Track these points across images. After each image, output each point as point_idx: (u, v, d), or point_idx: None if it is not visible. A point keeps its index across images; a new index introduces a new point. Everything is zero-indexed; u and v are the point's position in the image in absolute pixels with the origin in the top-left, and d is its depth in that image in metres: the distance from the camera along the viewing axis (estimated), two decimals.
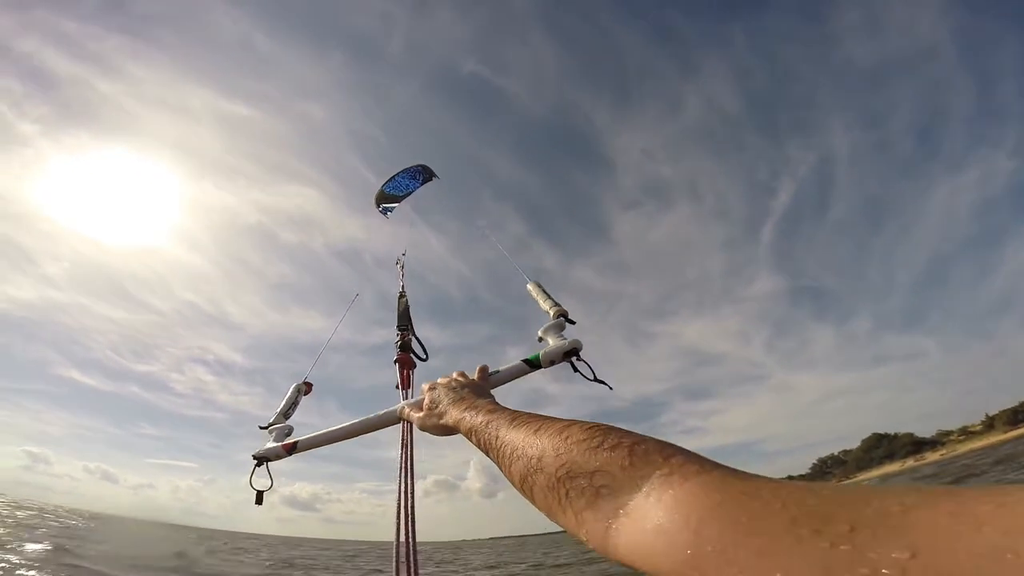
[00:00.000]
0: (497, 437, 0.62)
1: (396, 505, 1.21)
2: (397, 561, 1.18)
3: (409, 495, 1.24)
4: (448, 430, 0.86)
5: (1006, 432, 55.21)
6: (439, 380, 0.99)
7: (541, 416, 0.60)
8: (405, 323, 1.70)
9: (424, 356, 1.65)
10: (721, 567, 0.25)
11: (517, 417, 0.64)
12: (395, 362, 1.59)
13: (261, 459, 1.25)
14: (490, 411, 0.73)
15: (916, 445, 71.53)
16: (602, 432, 0.45)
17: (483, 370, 1.07)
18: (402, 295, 1.84)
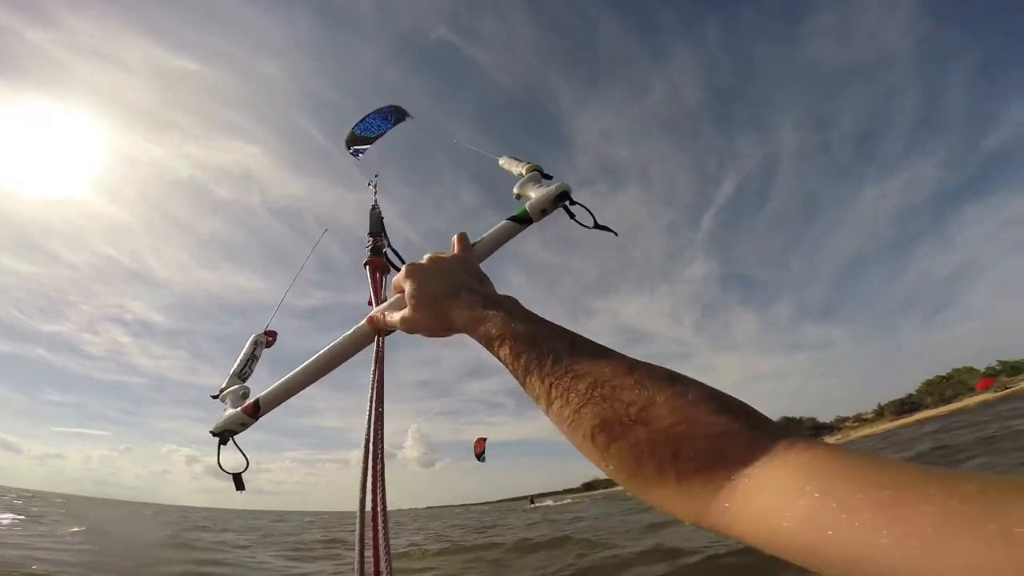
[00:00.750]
0: (555, 359, 0.49)
1: (363, 446, 0.83)
2: (362, 513, 0.75)
3: (379, 436, 0.88)
4: (447, 328, 0.67)
5: (892, 421, 61.98)
6: (414, 263, 0.77)
7: (606, 348, 0.50)
8: (378, 229, 1.54)
9: (400, 265, 1.36)
10: (841, 519, 0.26)
11: (579, 339, 0.53)
12: (365, 265, 1.35)
13: (223, 434, 0.99)
14: (527, 316, 0.59)
15: (817, 429, 78.77)
16: (720, 394, 0.41)
17: (463, 239, 0.85)
18: (375, 207, 1.72)
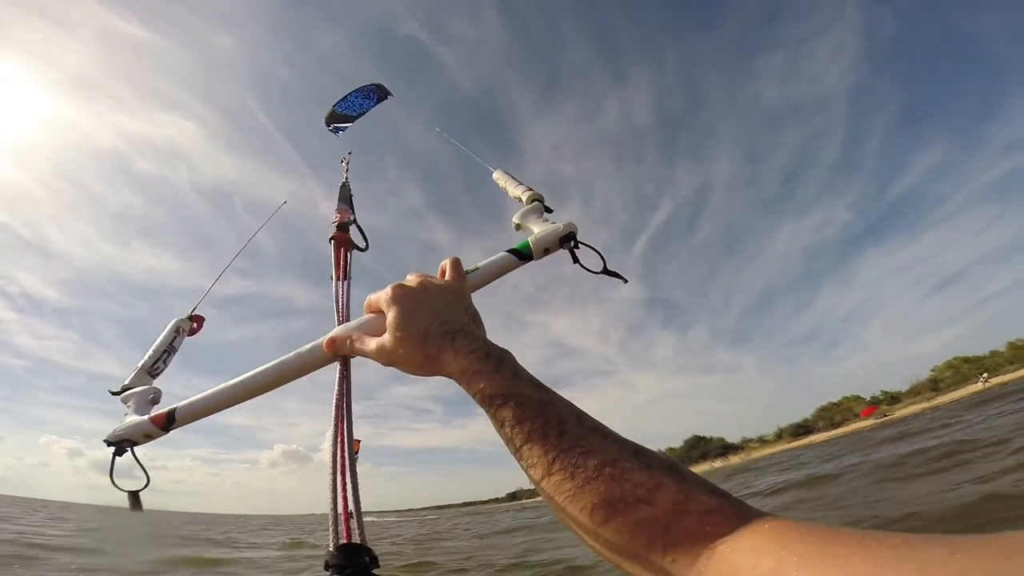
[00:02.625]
0: (562, 432, 0.48)
1: (331, 475, 0.73)
2: (335, 530, 0.67)
3: (347, 463, 0.76)
4: (435, 371, 0.61)
5: (789, 442, 67.53)
6: (401, 284, 0.67)
7: (607, 427, 0.51)
8: (346, 205, 1.46)
9: (364, 245, 1.35)
10: (801, 570, 0.32)
11: (584, 414, 0.52)
12: (330, 240, 1.25)
13: (119, 444, 0.81)
14: (532, 380, 0.56)
15: (725, 449, 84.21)
16: (704, 479, 0.45)
17: (457, 265, 0.75)
18: (345, 183, 1.64)
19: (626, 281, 0.91)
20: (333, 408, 0.78)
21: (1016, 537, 0.26)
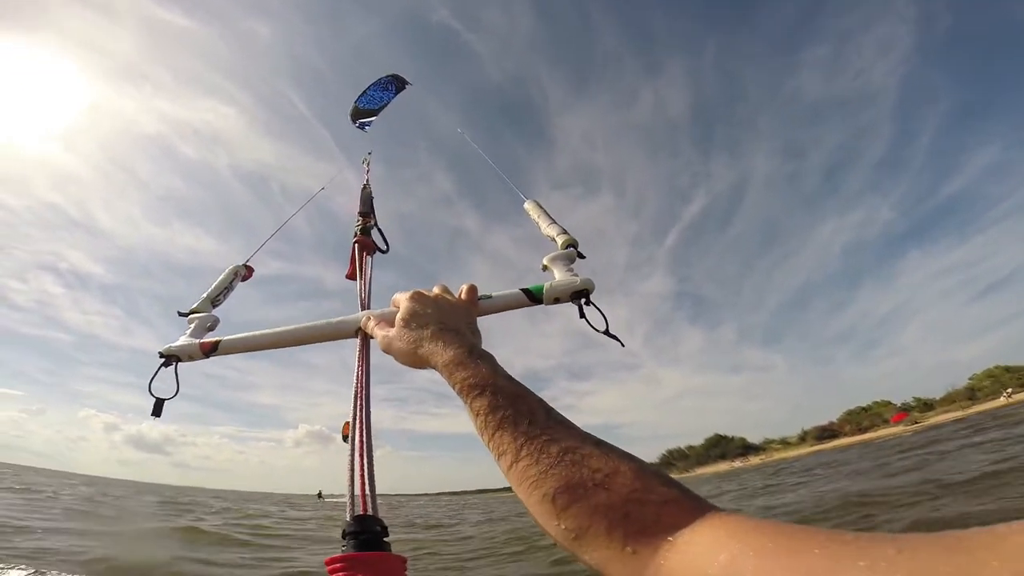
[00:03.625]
0: (532, 421, 0.53)
1: (350, 452, 0.82)
2: (352, 503, 0.77)
3: (365, 430, 0.87)
4: (421, 360, 0.70)
5: (812, 446, 66.10)
6: (420, 291, 0.81)
7: (573, 423, 0.55)
8: (368, 209, 1.58)
9: (385, 247, 1.49)
10: (757, 564, 0.33)
11: (552, 409, 0.56)
12: (354, 243, 1.40)
13: (170, 358, 0.98)
14: (509, 376, 0.62)
15: (745, 449, 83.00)
16: (663, 472, 0.47)
17: (472, 290, 0.87)
18: (366, 186, 1.77)
19: (623, 345, 0.95)
20: (354, 384, 0.92)
21: (960, 534, 0.28)
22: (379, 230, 1.53)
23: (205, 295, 1.22)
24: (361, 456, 0.82)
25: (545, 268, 1.01)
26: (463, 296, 0.85)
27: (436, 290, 0.83)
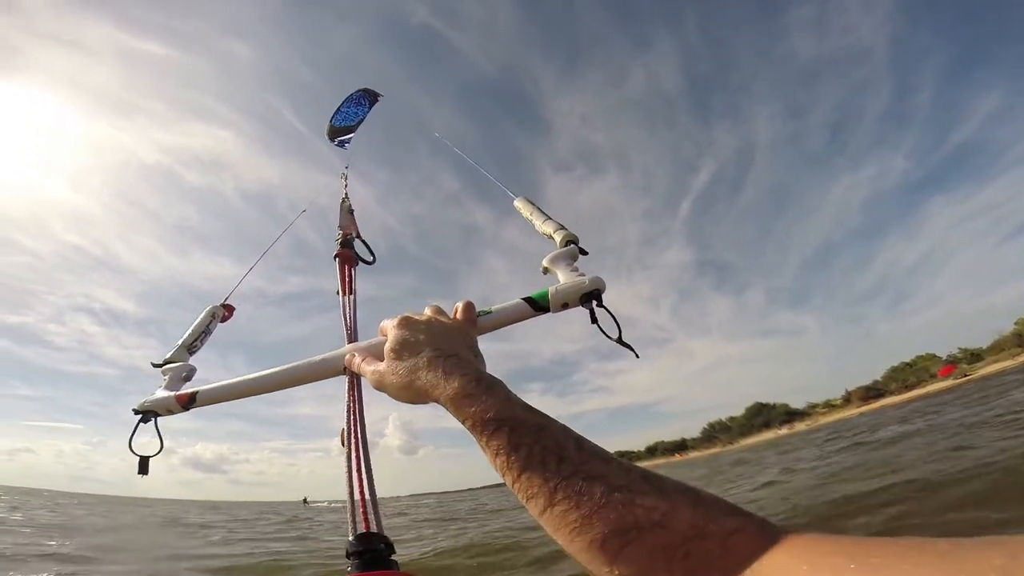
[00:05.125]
0: (561, 458, 0.45)
1: (347, 471, 0.80)
2: (354, 521, 0.74)
3: (362, 458, 0.84)
4: (421, 394, 0.60)
5: (859, 407, 64.23)
6: (409, 315, 0.70)
7: (608, 452, 0.47)
8: (347, 221, 1.55)
9: (371, 259, 1.42)
10: None
11: (583, 438, 0.48)
12: (335, 258, 1.34)
13: (146, 413, 0.93)
14: (527, 405, 0.53)
15: (789, 415, 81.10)
16: (722, 498, 0.42)
17: (469, 308, 0.76)
18: (345, 199, 1.73)
19: (638, 356, 0.86)
20: (345, 414, 0.87)
21: None
22: (363, 241, 1.48)
23: (180, 342, 1.14)
24: (358, 471, 0.80)
25: (546, 271, 0.91)
26: (459, 315, 0.75)
27: (428, 312, 0.73)
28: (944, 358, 62.01)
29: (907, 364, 67.57)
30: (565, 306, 0.83)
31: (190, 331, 1.20)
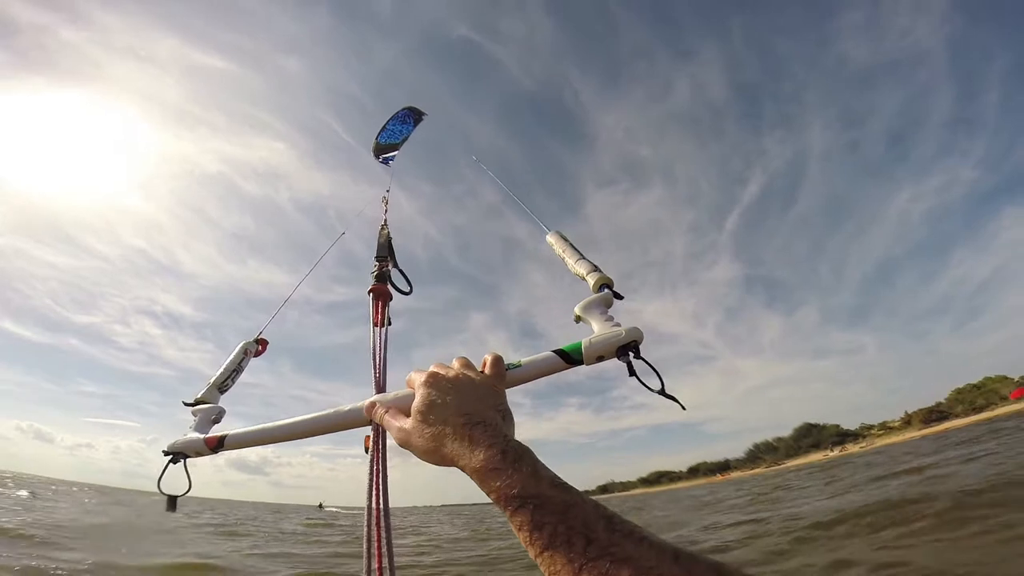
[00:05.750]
0: (589, 539, 0.43)
1: (366, 530, 0.83)
2: None
3: (383, 518, 0.88)
4: (444, 461, 0.59)
5: (920, 430, 60.18)
6: (436, 371, 0.68)
7: (642, 529, 0.45)
8: (385, 253, 1.49)
9: (408, 289, 1.42)
10: None
11: (615, 516, 0.46)
12: (368, 293, 1.34)
13: (177, 455, 0.95)
14: (555, 479, 0.51)
15: (841, 436, 77.02)
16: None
17: (497, 362, 0.74)
18: (384, 227, 1.69)
19: (684, 408, 0.83)
20: (369, 477, 0.88)
21: None
22: (400, 271, 1.45)
23: (212, 381, 1.16)
24: (378, 530, 0.81)
25: (579, 319, 0.87)
26: (487, 370, 0.72)
27: (456, 364, 0.71)
28: (1016, 380, 57.39)
29: (974, 386, 62.93)
30: (600, 359, 0.79)
31: (222, 369, 1.20)
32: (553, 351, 0.79)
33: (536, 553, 0.46)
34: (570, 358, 0.78)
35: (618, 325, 0.81)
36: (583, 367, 0.80)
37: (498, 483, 0.51)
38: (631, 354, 0.77)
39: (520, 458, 0.52)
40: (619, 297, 0.91)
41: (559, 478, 0.51)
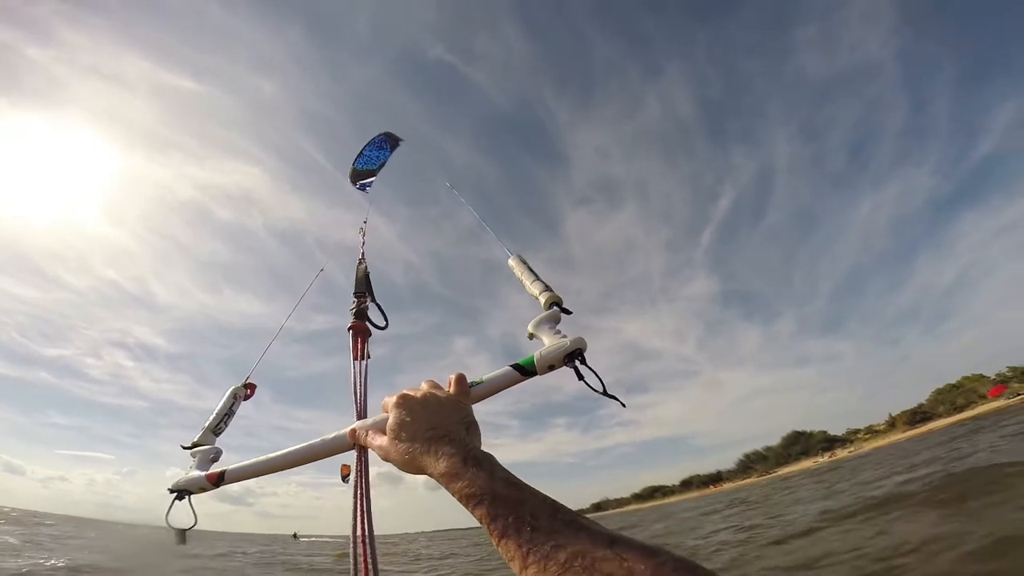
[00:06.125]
0: (534, 527, 0.51)
1: (352, 549, 0.87)
2: None
3: (368, 538, 0.91)
4: (418, 471, 0.69)
5: (905, 431, 61.08)
6: (406, 392, 0.78)
7: (587, 519, 0.52)
8: (363, 289, 1.48)
9: (384, 324, 1.42)
10: None
11: (561, 508, 0.54)
12: (348, 330, 1.35)
13: (181, 492, 1.04)
14: (508, 479, 0.59)
15: (828, 442, 77.66)
16: (692, 563, 0.43)
17: (461, 380, 0.83)
18: (361, 261, 1.65)
19: (624, 406, 0.94)
20: (354, 497, 0.93)
21: None
22: (377, 305, 1.43)
23: (206, 426, 1.24)
24: (363, 548, 0.86)
25: (532, 336, 0.97)
26: (452, 388, 0.82)
27: (424, 387, 0.81)
28: (993, 378, 58.85)
29: (953, 385, 64.35)
30: (551, 368, 0.89)
31: (214, 414, 1.28)
32: (510, 365, 0.90)
33: (496, 542, 0.54)
34: (525, 370, 0.89)
35: (565, 337, 0.92)
36: (538, 376, 0.90)
37: (459, 484, 0.60)
38: (577, 361, 0.88)
39: (479, 463, 0.62)
40: (567, 312, 1.02)
41: (515, 477, 0.60)
